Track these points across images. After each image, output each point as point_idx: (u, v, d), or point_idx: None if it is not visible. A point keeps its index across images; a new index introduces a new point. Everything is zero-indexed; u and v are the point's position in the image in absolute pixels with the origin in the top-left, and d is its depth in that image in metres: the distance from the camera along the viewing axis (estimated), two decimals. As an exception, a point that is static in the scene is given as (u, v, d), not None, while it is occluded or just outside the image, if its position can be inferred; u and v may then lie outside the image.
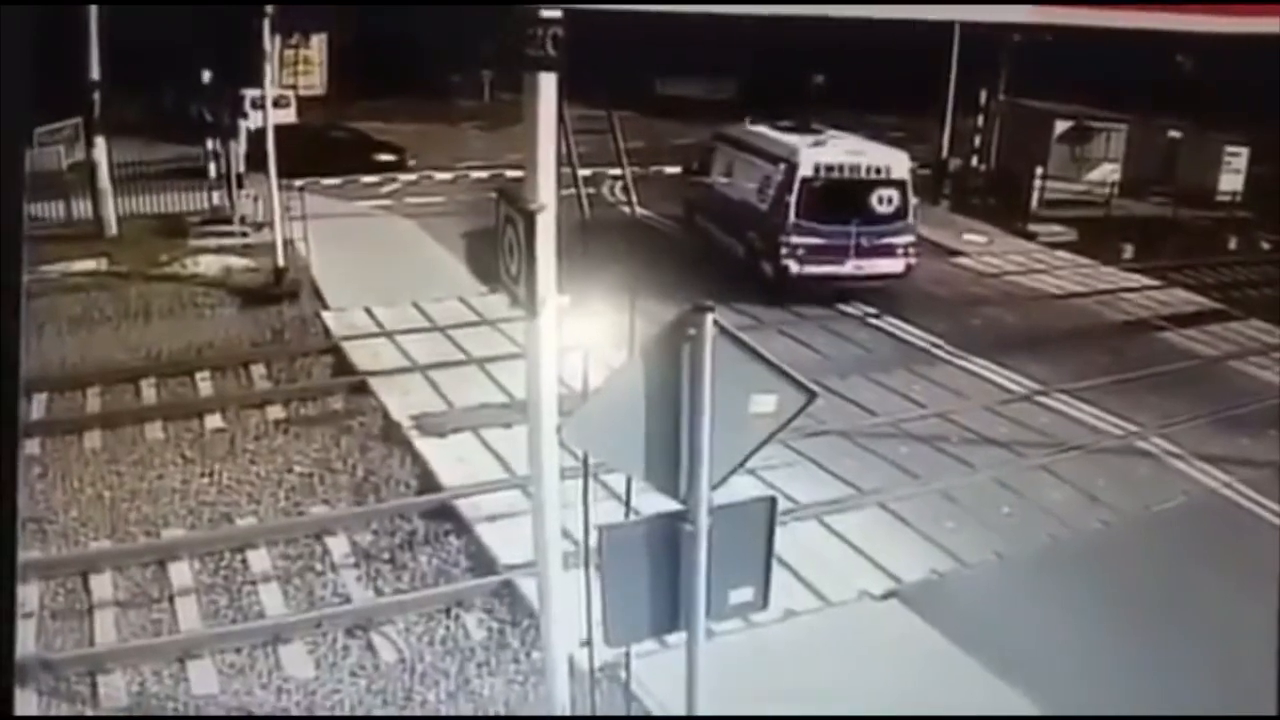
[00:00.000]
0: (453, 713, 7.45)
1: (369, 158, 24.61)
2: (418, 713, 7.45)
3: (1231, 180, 25.72)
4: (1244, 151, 25.46)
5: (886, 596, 8.74)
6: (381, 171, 24.34)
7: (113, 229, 18.19)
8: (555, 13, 4.17)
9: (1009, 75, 25.00)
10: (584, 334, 4.83)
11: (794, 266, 16.28)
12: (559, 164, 4.48)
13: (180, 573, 8.81)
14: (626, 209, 15.50)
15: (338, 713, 7.42)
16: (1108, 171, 25.30)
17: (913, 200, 16.86)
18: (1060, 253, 21.29)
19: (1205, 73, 24.69)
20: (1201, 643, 8.09)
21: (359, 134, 25.73)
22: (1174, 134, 26.67)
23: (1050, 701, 7.34)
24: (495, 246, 4.87)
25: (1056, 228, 22.93)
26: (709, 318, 3.79)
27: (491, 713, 7.44)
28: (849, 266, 16.35)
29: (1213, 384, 14.09)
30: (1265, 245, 21.90)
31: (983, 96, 24.92)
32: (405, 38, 31.19)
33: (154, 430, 11.32)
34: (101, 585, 8.58)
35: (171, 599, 8.50)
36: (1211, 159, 25.80)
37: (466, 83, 34.88)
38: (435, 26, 30.37)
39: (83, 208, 18.36)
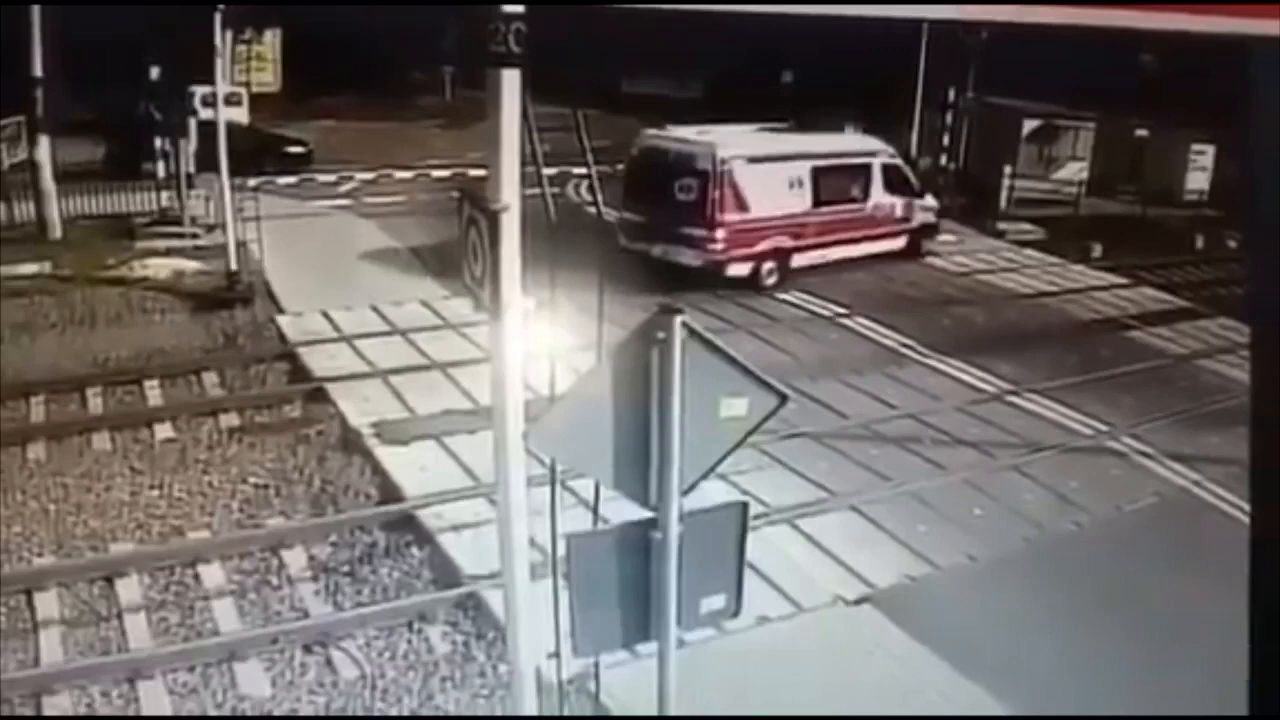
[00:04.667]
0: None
1: (277, 152, 23.76)
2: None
3: (1198, 179, 26.19)
4: (1210, 150, 25.89)
5: (860, 601, 8.66)
6: (290, 165, 23.72)
7: (57, 231, 17.72)
8: (518, 8, 4.02)
9: (977, 74, 25.18)
10: (550, 337, 4.68)
11: (622, 239, 16.78)
12: (523, 163, 4.33)
13: (129, 589, 8.49)
14: (592, 209, 15.43)
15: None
16: (1075, 170, 25.62)
17: (717, 193, 16.35)
18: (1029, 251, 21.53)
19: (1171, 71, 25.00)
20: (1174, 642, 8.10)
21: (262, 131, 24.16)
22: (1141, 132, 27.04)
23: (1025, 704, 7.30)
24: (458, 248, 4.72)
25: (1025, 226, 23.22)
26: (678, 320, 3.68)
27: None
28: (658, 249, 16.62)
29: (1182, 382, 14.27)
30: (1232, 244, 22.20)
31: (951, 95, 25.07)
32: (363, 33, 30.77)
33: (101, 440, 10.93)
34: (46, 603, 8.23)
35: (120, 616, 8.18)
36: (1178, 158, 26.28)
37: (427, 80, 34.58)
38: (395, 22, 30.04)
39: (25, 209, 17.87)
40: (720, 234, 16.48)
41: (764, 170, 17.04)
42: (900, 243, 19.59)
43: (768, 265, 17.18)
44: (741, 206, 16.69)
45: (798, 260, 17.67)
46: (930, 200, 20.49)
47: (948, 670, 7.69)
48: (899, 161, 19.75)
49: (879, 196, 19.00)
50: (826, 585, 8.79)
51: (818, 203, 17.81)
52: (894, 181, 19.29)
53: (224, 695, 7.40)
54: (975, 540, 9.77)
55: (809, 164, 17.71)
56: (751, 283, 16.90)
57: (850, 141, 19.58)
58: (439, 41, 31.99)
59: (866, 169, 18.88)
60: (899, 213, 19.40)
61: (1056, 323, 16.86)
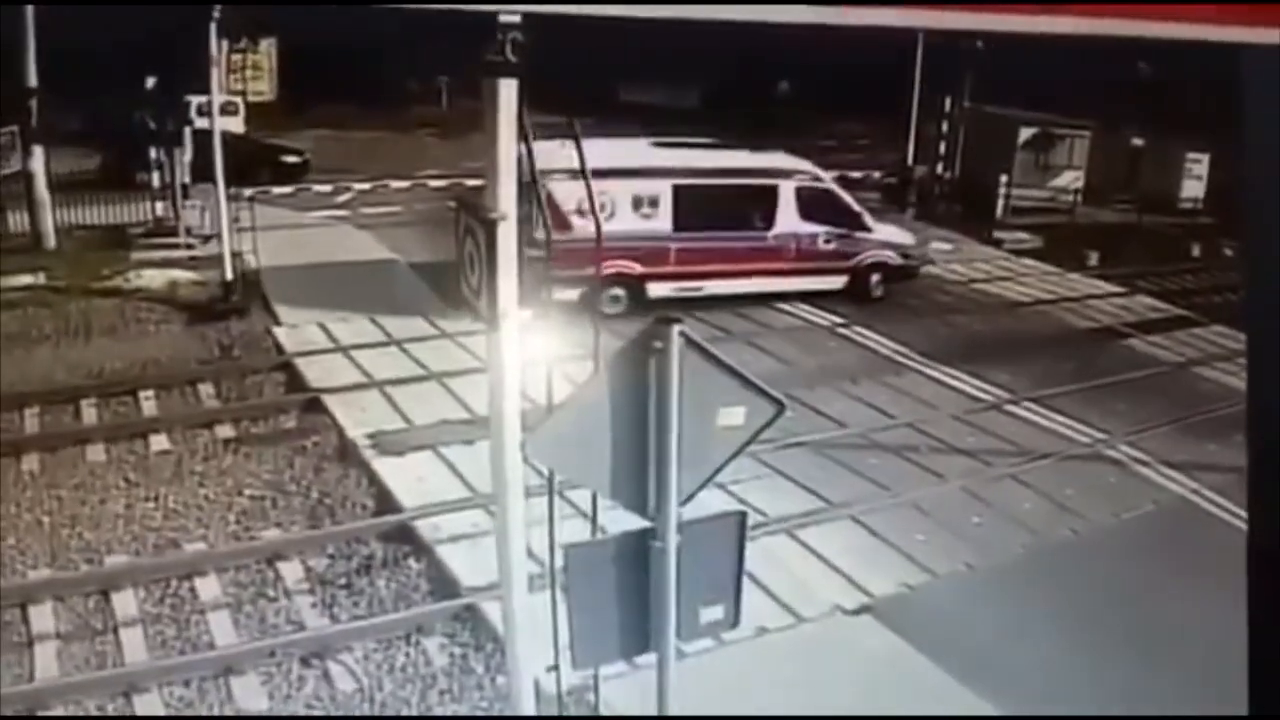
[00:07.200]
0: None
1: (273, 162, 23.66)
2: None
3: (1193, 187, 26.31)
4: (1205, 158, 26.02)
5: (859, 611, 8.63)
6: (286, 175, 23.64)
7: (51, 241, 17.67)
8: (514, 18, 4.03)
9: (973, 82, 25.26)
10: (547, 347, 4.67)
11: None
12: (520, 172, 4.34)
13: (125, 602, 8.43)
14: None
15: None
16: (1071, 178, 25.69)
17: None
18: (1026, 260, 21.56)
19: (1167, 79, 25.12)
20: (1172, 650, 8.09)
21: (257, 141, 24.26)
22: (1136, 141, 27.19)
23: (1023, 712, 7.28)
24: (455, 258, 4.73)
25: (1022, 235, 23.27)
26: (676, 330, 3.66)
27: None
28: None
29: (1178, 390, 14.27)
30: (1227, 251, 22.28)
31: (947, 103, 25.14)
32: (359, 42, 30.81)
33: (96, 452, 10.87)
34: (41, 616, 8.18)
35: (116, 630, 8.12)
36: (1174, 166, 26.37)
37: (423, 89, 34.66)
38: (390, 31, 30.06)
39: (20, 220, 17.83)
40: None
41: (592, 187, 15.56)
42: (835, 282, 16.85)
43: (611, 292, 15.09)
44: (561, 225, 13.86)
45: (656, 290, 15.53)
46: (897, 234, 17.76)
47: (947, 679, 7.65)
48: (829, 185, 17.07)
49: (790, 224, 16.41)
50: (825, 595, 8.76)
51: (681, 226, 15.64)
52: (817, 208, 16.57)
53: (220, 709, 7.34)
54: (973, 549, 9.76)
55: (668, 182, 15.55)
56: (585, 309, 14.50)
57: (748, 159, 16.82)
58: (435, 51, 32.04)
59: (769, 191, 16.33)
60: (826, 245, 16.70)
61: (1053, 331, 16.88)
